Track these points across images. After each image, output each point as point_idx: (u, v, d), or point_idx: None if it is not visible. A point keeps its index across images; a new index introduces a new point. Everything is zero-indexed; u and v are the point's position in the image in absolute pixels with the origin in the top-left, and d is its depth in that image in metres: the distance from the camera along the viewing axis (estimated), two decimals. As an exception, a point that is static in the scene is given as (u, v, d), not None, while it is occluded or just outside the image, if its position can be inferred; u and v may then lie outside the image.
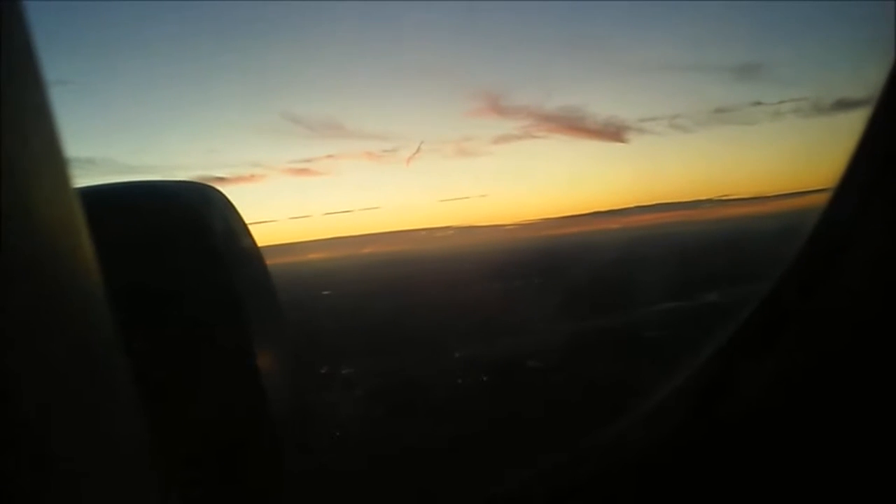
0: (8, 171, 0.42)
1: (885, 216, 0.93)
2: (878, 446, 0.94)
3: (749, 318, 1.10)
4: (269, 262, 1.25)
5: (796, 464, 1.00)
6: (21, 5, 0.47)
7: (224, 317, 1.04)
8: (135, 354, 0.54)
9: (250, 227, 1.22)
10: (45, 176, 0.47)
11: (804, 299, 1.02)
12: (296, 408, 1.22)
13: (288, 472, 1.10)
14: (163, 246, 1.06)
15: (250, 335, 1.05)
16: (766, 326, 1.07)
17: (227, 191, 1.25)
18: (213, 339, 1.03)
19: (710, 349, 1.14)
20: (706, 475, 1.09)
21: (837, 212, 1.01)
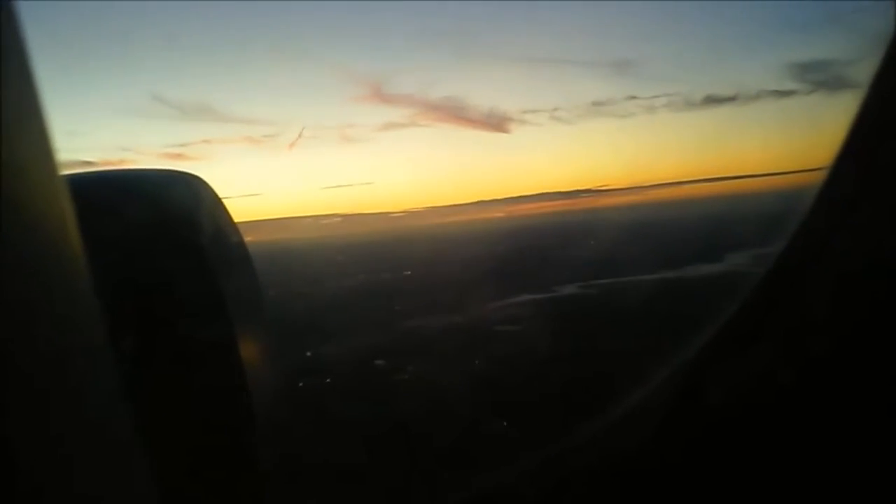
0: None
1: (863, 232, 0.94)
2: (857, 447, 0.93)
3: (725, 323, 1.09)
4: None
5: (773, 464, 0.99)
6: (12, 4, 0.47)
7: (208, 316, 1.03)
8: (122, 352, 0.56)
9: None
10: (36, 172, 0.47)
11: (781, 306, 1.03)
12: (280, 404, 1.21)
13: (274, 469, 1.09)
14: (148, 242, 1.03)
15: (235, 335, 1.04)
16: (743, 331, 1.07)
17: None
18: (199, 339, 1.01)
19: (686, 353, 1.13)
20: (686, 475, 1.08)
21: (818, 221, 1.01)
